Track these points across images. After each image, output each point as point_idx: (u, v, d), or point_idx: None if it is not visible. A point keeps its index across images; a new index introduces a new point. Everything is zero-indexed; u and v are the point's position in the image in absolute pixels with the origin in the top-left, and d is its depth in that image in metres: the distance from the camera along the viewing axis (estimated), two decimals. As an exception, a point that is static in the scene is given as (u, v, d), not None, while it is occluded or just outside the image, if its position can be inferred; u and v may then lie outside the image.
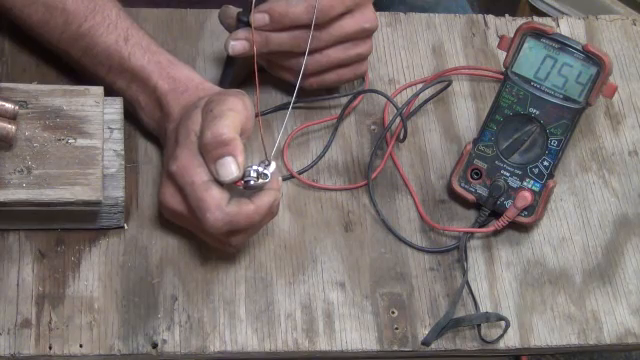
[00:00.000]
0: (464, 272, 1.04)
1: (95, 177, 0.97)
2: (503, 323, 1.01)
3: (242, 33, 1.05)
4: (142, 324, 0.97)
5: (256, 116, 1.02)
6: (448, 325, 1.00)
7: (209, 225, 0.95)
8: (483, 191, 1.07)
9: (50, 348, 0.95)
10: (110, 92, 1.04)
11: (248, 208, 0.95)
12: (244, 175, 0.95)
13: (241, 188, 0.95)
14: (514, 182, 1.06)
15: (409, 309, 1.02)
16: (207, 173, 0.95)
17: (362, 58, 1.10)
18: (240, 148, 0.95)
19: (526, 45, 1.04)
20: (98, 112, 1.01)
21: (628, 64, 1.22)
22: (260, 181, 0.95)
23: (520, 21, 1.23)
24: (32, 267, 0.99)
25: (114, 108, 1.03)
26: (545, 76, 1.03)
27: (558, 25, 1.24)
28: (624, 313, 1.04)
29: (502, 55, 1.07)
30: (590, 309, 1.04)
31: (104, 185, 0.98)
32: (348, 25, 1.07)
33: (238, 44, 1.05)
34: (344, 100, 1.13)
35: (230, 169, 0.94)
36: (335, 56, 1.08)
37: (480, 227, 1.07)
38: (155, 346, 0.97)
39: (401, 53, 1.19)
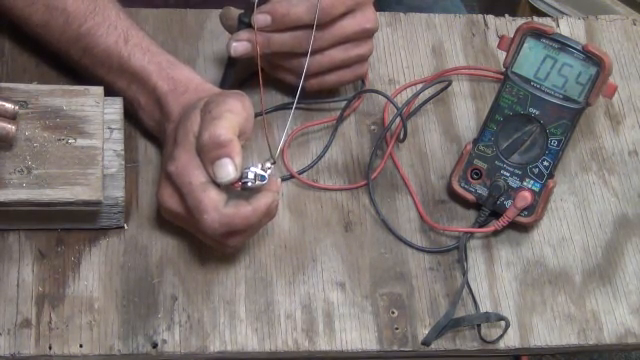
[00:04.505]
0: (464, 272, 1.04)
1: (95, 177, 0.97)
2: (503, 323, 1.01)
3: (244, 34, 1.05)
4: (142, 324, 0.97)
5: (257, 116, 1.02)
6: (448, 325, 1.00)
7: (206, 226, 0.94)
8: (483, 191, 1.07)
9: (50, 348, 0.95)
10: (110, 92, 1.04)
11: (245, 210, 0.95)
12: (242, 176, 0.95)
13: (238, 189, 0.96)
14: (514, 182, 1.06)
15: (409, 309, 1.02)
16: (205, 174, 0.95)
17: (363, 59, 1.10)
18: (237, 150, 0.94)
19: (526, 45, 1.04)
20: (98, 112, 1.01)
21: (628, 64, 1.22)
22: (258, 183, 0.95)
23: (520, 21, 1.23)
24: (32, 267, 0.99)
25: (114, 108, 1.03)
26: (545, 76, 1.03)
27: (558, 25, 1.24)
28: (624, 313, 1.04)
29: (502, 55, 1.07)
30: (590, 309, 1.04)
31: (104, 185, 0.98)
32: (349, 25, 1.07)
33: (240, 45, 1.05)
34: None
35: (227, 170, 0.94)
36: (336, 57, 1.08)
37: (480, 227, 1.07)
38: (155, 346, 0.97)
39: (401, 53, 1.19)
